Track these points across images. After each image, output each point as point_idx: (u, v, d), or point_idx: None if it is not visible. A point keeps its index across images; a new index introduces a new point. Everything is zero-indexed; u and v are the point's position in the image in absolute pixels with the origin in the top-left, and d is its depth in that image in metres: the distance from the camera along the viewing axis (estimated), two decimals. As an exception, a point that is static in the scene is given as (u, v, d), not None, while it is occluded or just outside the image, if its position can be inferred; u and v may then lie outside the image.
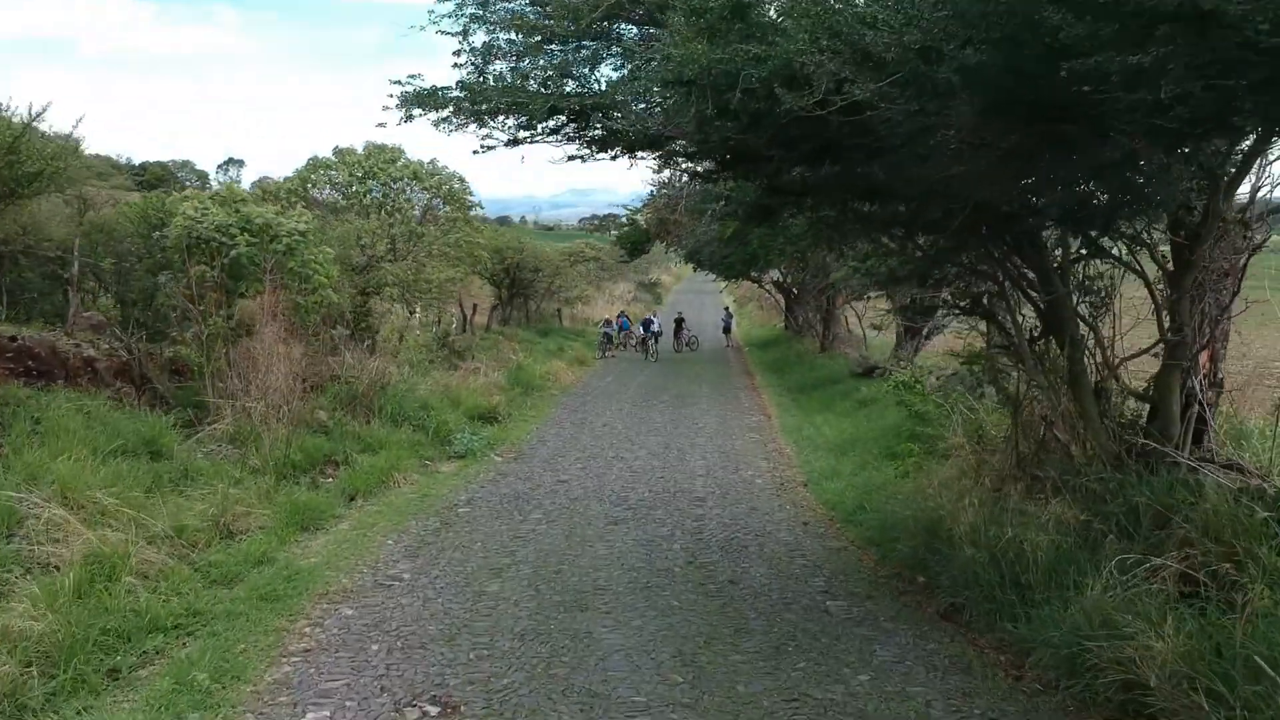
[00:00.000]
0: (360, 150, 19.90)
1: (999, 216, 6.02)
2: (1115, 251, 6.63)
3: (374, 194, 19.76)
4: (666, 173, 26.21)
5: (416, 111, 7.11)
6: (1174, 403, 6.26)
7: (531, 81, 7.03)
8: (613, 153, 6.81)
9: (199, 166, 79.74)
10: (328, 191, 19.95)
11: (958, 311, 7.94)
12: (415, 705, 4.96)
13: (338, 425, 12.63)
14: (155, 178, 55.43)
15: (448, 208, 20.18)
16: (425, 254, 19.83)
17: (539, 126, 7.05)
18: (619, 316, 34.31)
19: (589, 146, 6.81)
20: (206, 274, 12.36)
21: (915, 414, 10.91)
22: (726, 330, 36.32)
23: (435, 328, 26.74)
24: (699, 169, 7.82)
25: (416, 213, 20.46)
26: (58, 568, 6.27)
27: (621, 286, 57.17)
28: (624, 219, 26.23)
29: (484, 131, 7.08)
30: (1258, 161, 5.96)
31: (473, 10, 7.15)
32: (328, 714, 4.86)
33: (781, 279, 34.59)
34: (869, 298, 26.56)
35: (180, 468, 9.53)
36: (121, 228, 14.10)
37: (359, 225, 17.60)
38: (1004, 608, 5.65)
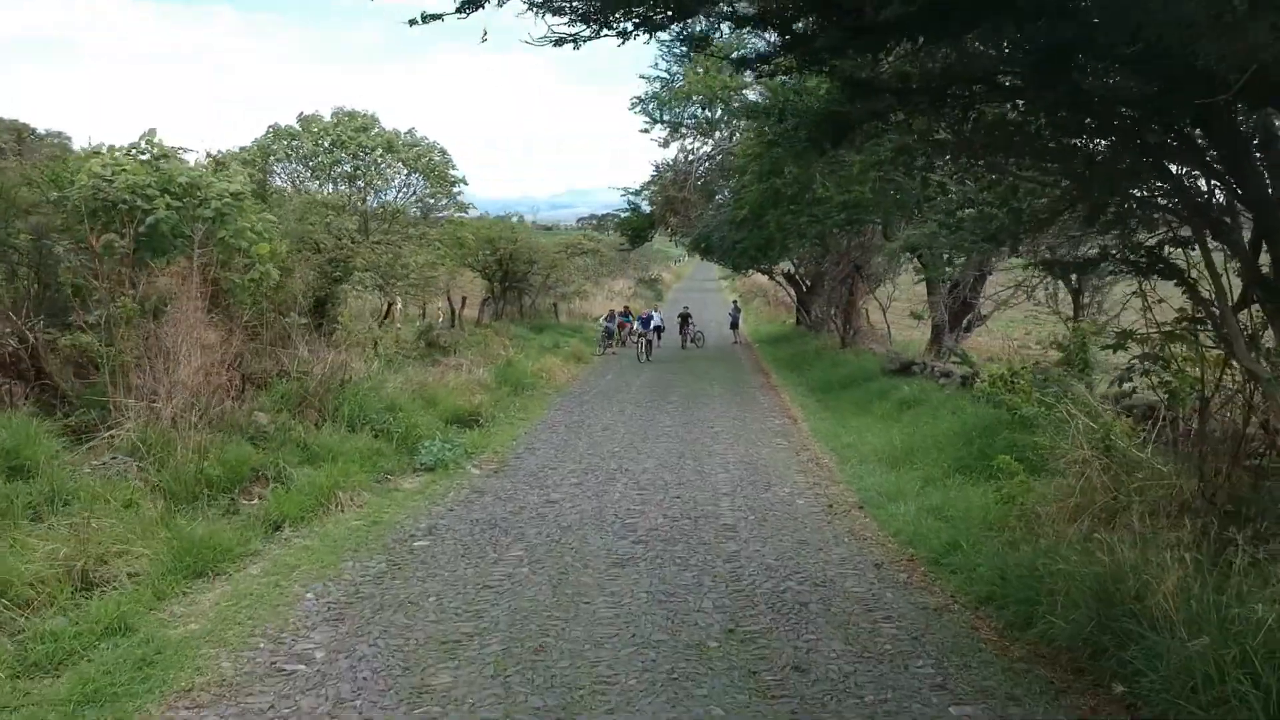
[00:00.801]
0: (328, 117, 17.57)
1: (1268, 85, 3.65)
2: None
3: (344, 166, 17.44)
4: (674, 148, 24.00)
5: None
6: None
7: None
8: (619, 22, 4.45)
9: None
10: (293, 166, 17.61)
11: (1126, 269, 5.59)
12: None
13: (280, 430, 10.36)
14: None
15: (427, 184, 17.83)
16: (401, 236, 17.53)
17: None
18: (622, 310, 31.94)
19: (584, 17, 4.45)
20: (115, 244, 10.06)
21: (1018, 419, 8.59)
22: (734, 325, 33.97)
23: (420, 320, 24.55)
24: (747, 55, 5.45)
25: (393, 191, 18.13)
26: None
27: (621, 282, 54.92)
28: (625, 199, 23.86)
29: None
30: None
31: None
32: None
33: (794, 270, 32.29)
34: (894, 285, 24.29)
35: (48, 489, 7.23)
36: (26, 195, 11.76)
37: (320, 195, 15.32)
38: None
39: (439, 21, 4.55)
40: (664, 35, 4.93)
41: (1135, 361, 5.64)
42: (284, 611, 5.72)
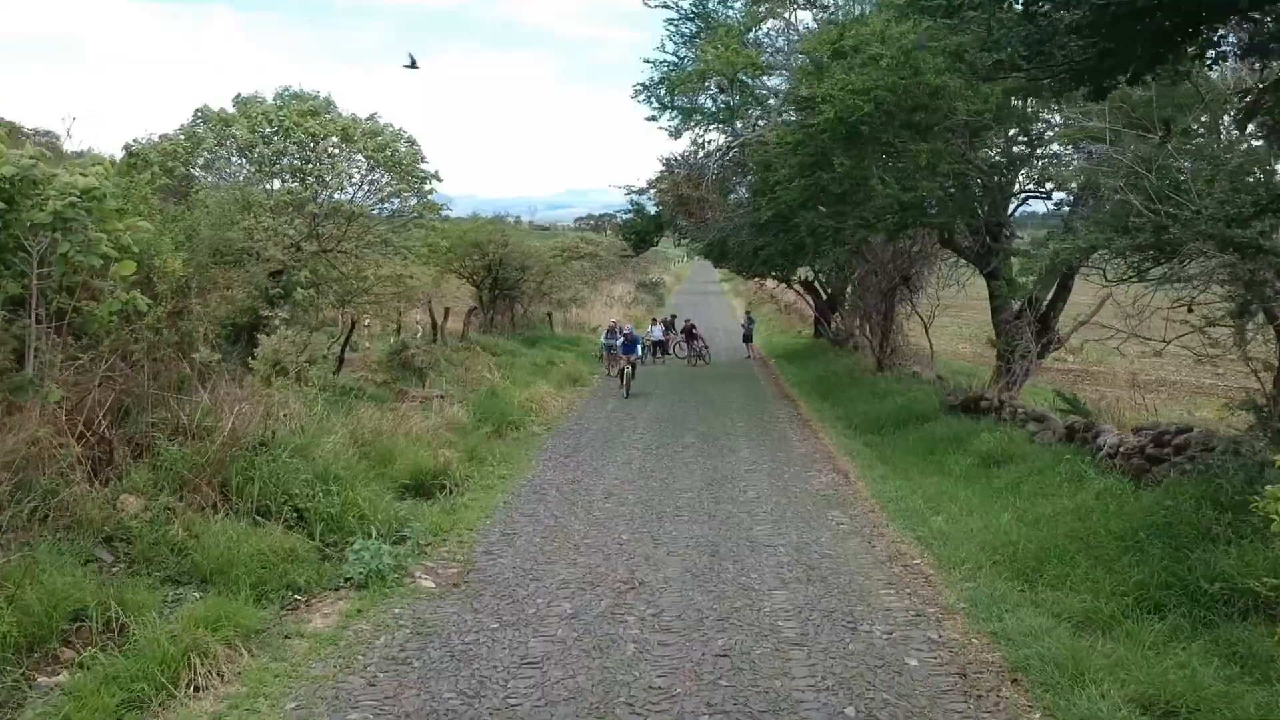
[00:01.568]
0: (270, 100, 14.49)
1: None
2: None
3: (290, 159, 14.35)
4: (686, 139, 20.91)
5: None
6: None
7: None
8: None
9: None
10: (229, 159, 14.52)
11: None
12: None
13: (153, 526, 7.37)
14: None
15: (391, 178, 14.74)
16: (357, 243, 14.45)
17: None
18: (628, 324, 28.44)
19: None
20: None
21: (1232, 527, 5.57)
22: (747, 339, 30.84)
23: (395, 338, 21.42)
24: None
25: (351, 189, 15.04)
26: None
27: (620, 287, 51.77)
28: (628, 198, 20.75)
29: None
30: None
31: None
32: None
33: (814, 277, 29.22)
34: (939, 298, 20.98)
35: None
36: None
37: (255, 194, 12.28)
38: None
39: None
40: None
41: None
42: None
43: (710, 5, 19.37)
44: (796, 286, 31.47)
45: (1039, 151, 13.66)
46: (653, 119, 18.19)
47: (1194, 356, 8.58)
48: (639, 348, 19.94)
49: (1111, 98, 6.99)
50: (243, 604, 6.37)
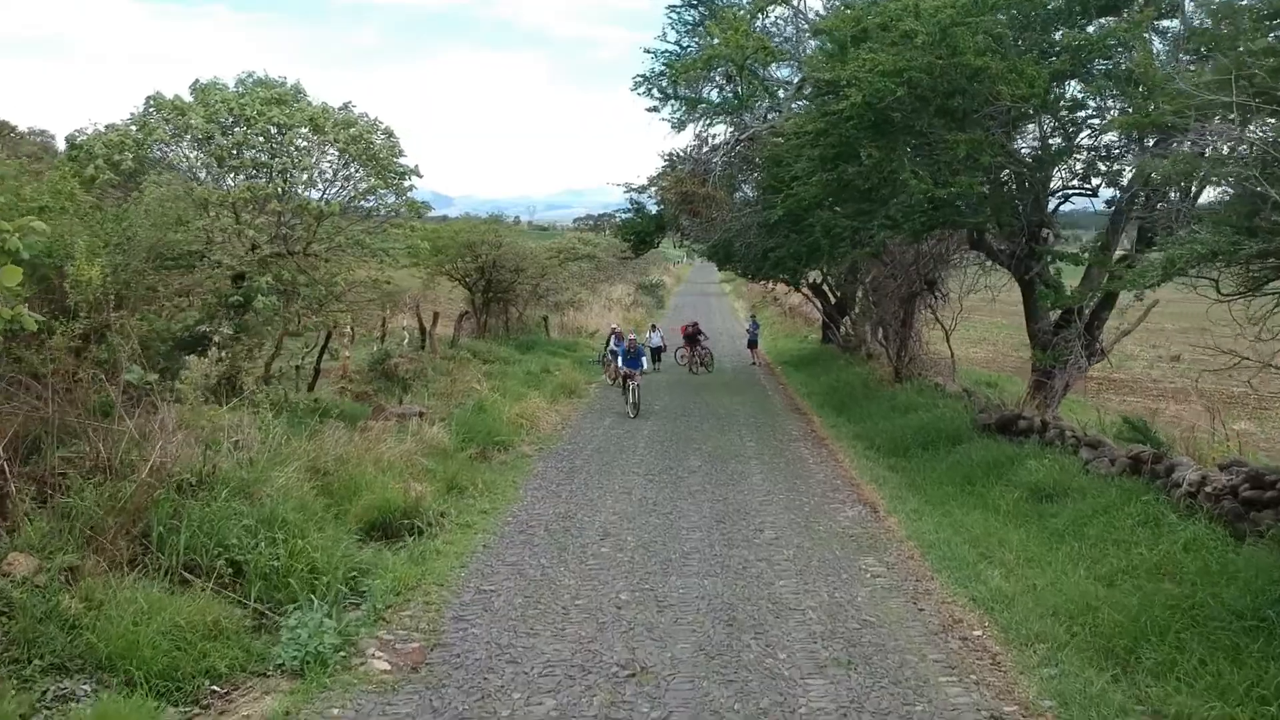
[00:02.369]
0: (231, 87, 13.10)
1: None
2: None
3: (256, 152, 12.97)
4: (690, 132, 19.56)
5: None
6: None
7: None
8: None
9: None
10: (186, 151, 13.14)
11: None
12: None
13: (44, 595, 6.04)
14: None
15: (366, 173, 13.35)
16: (327, 245, 13.07)
17: None
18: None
19: None
20: None
21: None
22: (752, 344, 29.44)
23: (378, 346, 20.04)
24: None
25: (322, 184, 13.64)
26: None
27: (619, 289, 50.37)
28: (627, 197, 19.35)
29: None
30: None
31: None
32: None
33: (822, 280, 27.85)
34: (960, 304, 19.54)
35: None
36: None
37: (192, 186, 10.90)
38: None
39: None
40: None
41: None
42: None
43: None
44: (804, 289, 30.09)
45: (1086, 142, 12.31)
46: (654, 110, 16.84)
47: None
48: (644, 361, 18.51)
49: (1235, 60, 5.63)
50: (139, 705, 5.02)
